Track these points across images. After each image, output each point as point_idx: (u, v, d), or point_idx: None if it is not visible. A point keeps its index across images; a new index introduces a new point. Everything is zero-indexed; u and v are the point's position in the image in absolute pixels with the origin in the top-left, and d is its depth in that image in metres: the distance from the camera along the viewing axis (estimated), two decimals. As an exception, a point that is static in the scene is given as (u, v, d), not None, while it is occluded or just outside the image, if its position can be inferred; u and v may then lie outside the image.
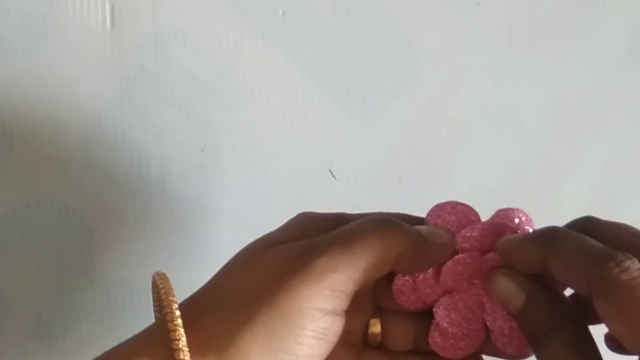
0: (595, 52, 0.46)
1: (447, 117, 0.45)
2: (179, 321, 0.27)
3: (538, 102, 0.46)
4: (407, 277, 0.31)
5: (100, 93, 0.42)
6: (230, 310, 0.28)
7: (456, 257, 0.31)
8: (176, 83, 0.43)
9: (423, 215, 0.35)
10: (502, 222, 0.31)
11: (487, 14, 0.46)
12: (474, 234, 0.31)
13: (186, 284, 0.32)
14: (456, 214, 0.32)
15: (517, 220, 0.31)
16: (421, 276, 0.31)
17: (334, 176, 0.44)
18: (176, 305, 0.28)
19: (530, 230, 0.31)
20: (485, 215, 0.32)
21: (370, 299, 0.33)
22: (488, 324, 0.31)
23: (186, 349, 0.27)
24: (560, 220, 0.45)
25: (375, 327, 0.33)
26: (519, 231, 0.31)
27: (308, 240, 0.30)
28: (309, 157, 0.44)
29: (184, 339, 0.27)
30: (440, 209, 0.32)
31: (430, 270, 0.31)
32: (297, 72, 0.44)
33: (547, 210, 0.45)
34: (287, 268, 0.29)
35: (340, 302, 0.29)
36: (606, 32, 0.46)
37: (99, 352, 0.29)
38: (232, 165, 0.43)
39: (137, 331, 0.30)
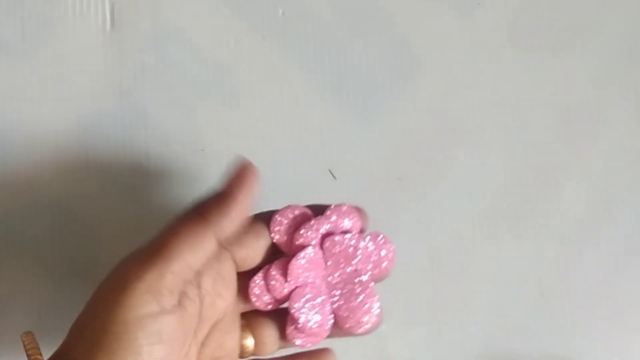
0: (595, 52, 0.46)
1: (447, 117, 0.45)
2: None
3: (538, 102, 0.46)
4: (259, 280, 0.34)
5: (100, 93, 0.42)
6: (85, 346, 0.29)
7: (300, 253, 0.34)
8: (176, 83, 0.43)
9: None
10: (335, 220, 0.35)
11: (487, 13, 0.46)
12: (310, 231, 0.35)
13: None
14: (294, 217, 0.35)
15: (347, 221, 0.36)
16: (271, 276, 0.34)
17: (334, 176, 0.44)
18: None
19: (350, 225, 0.36)
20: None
21: (236, 317, 0.35)
22: (335, 307, 0.35)
23: None
24: (561, 219, 0.45)
25: (248, 340, 0.35)
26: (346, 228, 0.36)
27: (128, 254, 0.31)
28: (309, 157, 0.44)
29: None
30: (281, 215, 0.35)
31: (278, 270, 0.34)
32: (297, 72, 0.44)
33: (547, 210, 0.45)
34: (109, 285, 0.30)
35: (165, 299, 0.30)
36: (606, 32, 0.46)
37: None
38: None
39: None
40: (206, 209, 0.33)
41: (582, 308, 0.45)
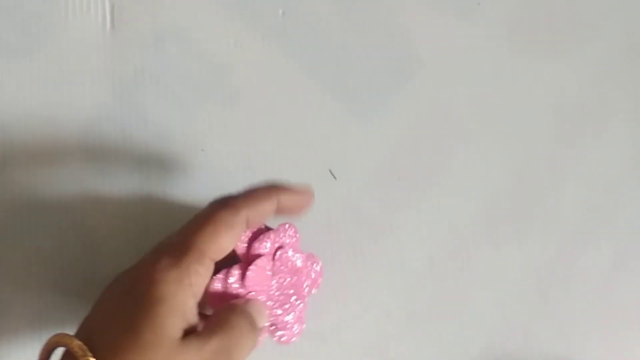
0: (595, 52, 0.46)
1: (446, 117, 0.45)
2: None
3: (538, 102, 0.46)
4: (217, 283, 0.36)
5: (100, 93, 0.42)
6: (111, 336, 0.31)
7: (258, 261, 0.37)
8: (176, 83, 0.43)
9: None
10: (284, 237, 0.39)
11: (487, 13, 0.46)
12: (269, 243, 0.38)
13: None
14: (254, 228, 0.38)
15: (288, 236, 0.39)
16: (230, 279, 0.36)
17: (334, 176, 0.44)
18: None
19: (293, 241, 0.39)
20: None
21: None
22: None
23: None
24: (561, 220, 0.45)
25: None
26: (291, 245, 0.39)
27: (218, 344, 0.32)
28: (309, 157, 0.44)
29: None
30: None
31: (237, 276, 0.37)
32: (297, 72, 0.44)
33: (547, 210, 0.45)
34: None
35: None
36: (606, 32, 0.46)
37: (99, 352, 0.29)
38: (232, 165, 0.43)
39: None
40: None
41: (582, 308, 0.45)
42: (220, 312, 0.34)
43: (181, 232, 0.34)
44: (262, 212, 0.35)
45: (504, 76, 0.45)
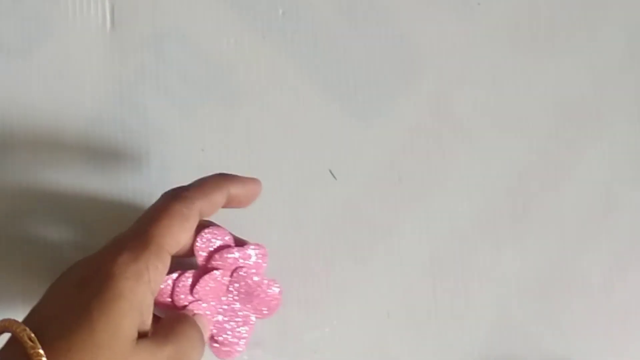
0: (595, 52, 0.46)
1: (447, 117, 0.45)
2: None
3: (538, 102, 0.46)
4: (168, 282, 0.36)
5: (100, 93, 0.42)
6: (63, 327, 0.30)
7: (212, 273, 0.36)
8: (176, 83, 0.43)
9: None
10: (249, 256, 0.38)
11: (487, 13, 0.46)
12: (230, 259, 0.37)
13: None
14: (222, 239, 0.37)
15: (256, 255, 0.38)
16: (181, 283, 0.36)
17: (334, 176, 0.44)
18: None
19: (259, 262, 0.38)
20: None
21: None
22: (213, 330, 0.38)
23: None
24: (561, 219, 0.45)
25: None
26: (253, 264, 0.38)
27: (171, 351, 0.32)
28: (309, 157, 0.44)
29: None
30: (211, 234, 0.37)
31: (189, 280, 0.36)
32: (297, 72, 0.44)
33: (547, 210, 0.45)
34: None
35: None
36: (606, 32, 0.46)
37: (99, 352, 0.29)
38: (232, 165, 0.43)
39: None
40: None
41: (582, 308, 0.45)
42: (172, 321, 0.34)
43: (137, 225, 0.34)
44: (214, 203, 0.35)
45: (504, 76, 0.45)
